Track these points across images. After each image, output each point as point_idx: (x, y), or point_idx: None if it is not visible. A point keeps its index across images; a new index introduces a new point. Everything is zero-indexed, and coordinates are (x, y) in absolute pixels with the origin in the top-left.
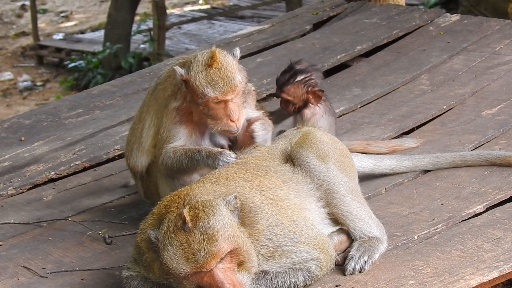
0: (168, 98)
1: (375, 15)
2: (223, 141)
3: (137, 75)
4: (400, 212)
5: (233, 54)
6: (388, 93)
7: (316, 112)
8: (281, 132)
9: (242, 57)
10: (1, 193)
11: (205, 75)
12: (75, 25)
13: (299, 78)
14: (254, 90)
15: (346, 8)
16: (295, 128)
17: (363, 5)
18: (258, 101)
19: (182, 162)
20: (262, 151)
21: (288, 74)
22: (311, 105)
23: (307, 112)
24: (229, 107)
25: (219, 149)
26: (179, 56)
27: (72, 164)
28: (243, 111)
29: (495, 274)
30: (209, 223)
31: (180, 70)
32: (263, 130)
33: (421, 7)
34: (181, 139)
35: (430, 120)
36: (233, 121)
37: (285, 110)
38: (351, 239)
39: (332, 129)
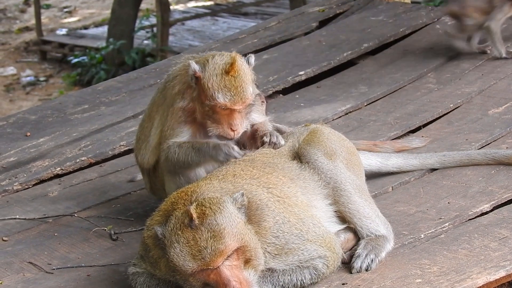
0: (175, 96)
1: (381, 13)
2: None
3: (143, 71)
4: (406, 210)
5: (248, 61)
6: (394, 91)
7: None
8: None
9: (248, 54)
10: (7, 188)
11: (220, 79)
12: (79, 20)
13: None
14: (260, 95)
15: (352, 6)
16: (303, 125)
17: (370, 2)
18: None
19: (188, 156)
20: (269, 148)
21: None
22: None
23: None
24: (233, 116)
25: (224, 142)
26: (189, 55)
27: (78, 160)
28: (245, 121)
29: (502, 273)
30: (216, 221)
31: (194, 66)
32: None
33: (430, 4)
34: (184, 138)
35: (437, 118)
36: (233, 131)
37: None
38: (357, 237)
39: None
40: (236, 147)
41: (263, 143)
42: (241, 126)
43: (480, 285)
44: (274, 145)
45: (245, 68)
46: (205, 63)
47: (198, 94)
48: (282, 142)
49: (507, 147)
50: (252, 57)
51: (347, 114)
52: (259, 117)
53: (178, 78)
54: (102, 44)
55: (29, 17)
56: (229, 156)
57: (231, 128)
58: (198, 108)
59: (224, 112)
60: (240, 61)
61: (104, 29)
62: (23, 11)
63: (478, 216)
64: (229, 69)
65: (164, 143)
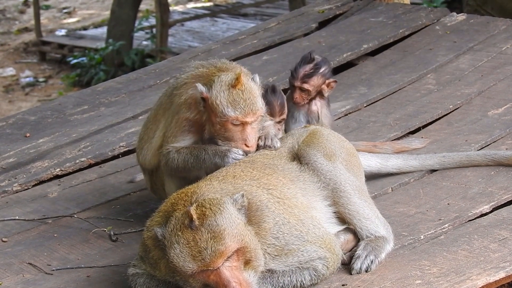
0: (181, 105)
1: (381, 14)
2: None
3: (142, 72)
4: (406, 211)
5: (253, 79)
6: (394, 92)
7: (324, 104)
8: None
9: (247, 55)
10: (6, 189)
11: (227, 94)
12: (78, 21)
13: (321, 69)
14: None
15: (352, 7)
16: (302, 126)
17: (369, 3)
18: None
19: (187, 162)
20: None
21: (311, 65)
22: (318, 96)
23: (316, 103)
24: (246, 131)
25: (226, 147)
26: (197, 62)
27: (77, 161)
28: (258, 136)
29: (501, 274)
30: (216, 221)
31: (201, 88)
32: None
33: (433, 4)
34: (184, 144)
35: (437, 119)
36: (249, 147)
37: (298, 101)
38: (357, 238)
39: (331, 120)
40: (240, 151)
41: (258, 147)
42: (255, 142)
43: (480, 286)
44: (270, 148)
45: (251, 83)
46: (211, 83)
47: (208, 116)
48: (278, 144)
49: (506, 148)
50: (256, 77)
51: (346, 115)
52: (265, 121)
53: (184, 87)
54: (102, 45)
55: (28, 18)
56: (235, 160)
57: (245, 144)
58: (208, 129)
59: (236, 128)
60: (246, 75)
61: (103, 30)
62: (22, 12)
63: (478, 217)
64: (235, 83)
65: (164, 148)
